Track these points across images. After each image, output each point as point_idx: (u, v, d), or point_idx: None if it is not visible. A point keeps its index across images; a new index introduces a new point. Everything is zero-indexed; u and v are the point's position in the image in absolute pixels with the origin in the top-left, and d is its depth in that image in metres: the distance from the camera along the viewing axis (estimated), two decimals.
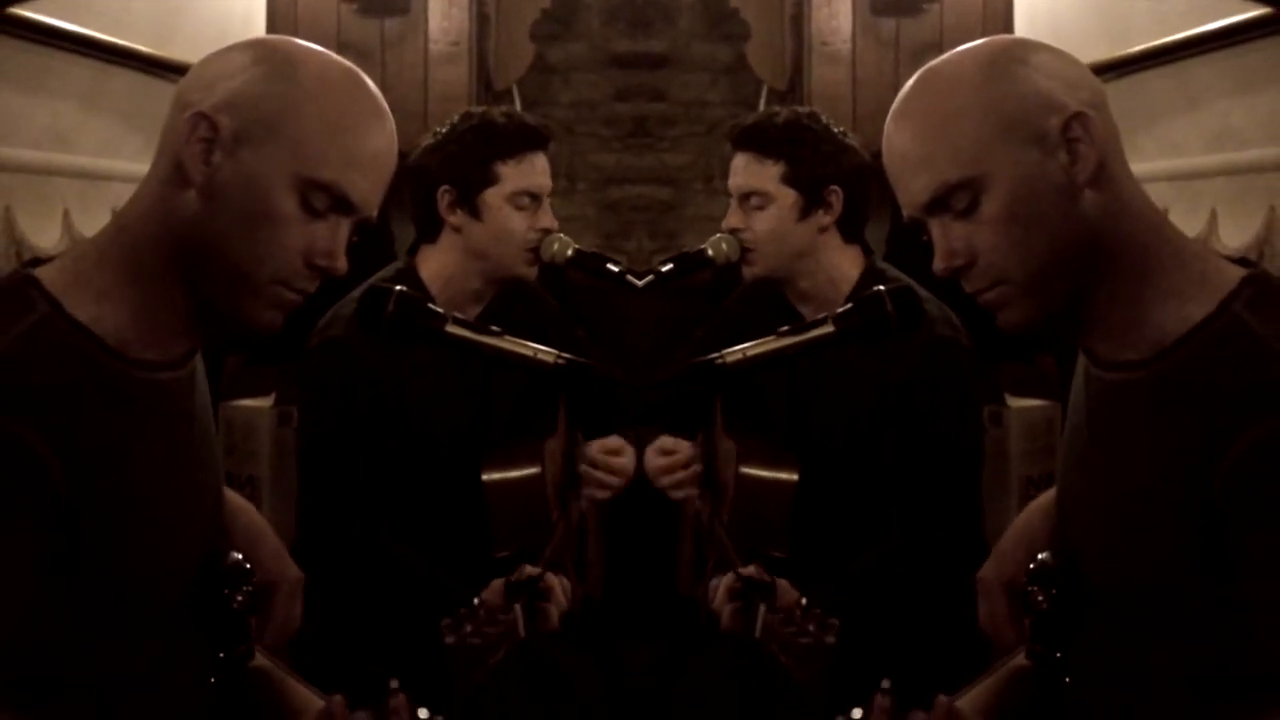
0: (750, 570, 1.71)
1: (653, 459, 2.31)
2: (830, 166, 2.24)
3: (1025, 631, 1.42)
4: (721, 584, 2.09)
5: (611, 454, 2.30)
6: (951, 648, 2.04)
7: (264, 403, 3.06)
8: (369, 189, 1.34)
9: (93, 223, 2.96)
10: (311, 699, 1.52)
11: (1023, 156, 1.29)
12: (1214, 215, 2.97)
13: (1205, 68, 3.04)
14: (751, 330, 1.61)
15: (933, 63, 1.37)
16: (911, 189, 1.33)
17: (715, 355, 1.43)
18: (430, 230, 2.27)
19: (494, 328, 1.51)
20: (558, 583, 2.04)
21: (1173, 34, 3.14)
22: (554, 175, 2.33)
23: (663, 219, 4.80)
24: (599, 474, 2.28)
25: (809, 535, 2.18)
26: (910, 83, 1.36)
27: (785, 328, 1.46)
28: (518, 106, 4.29)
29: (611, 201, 4.76)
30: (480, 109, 2.34)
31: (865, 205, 2.29)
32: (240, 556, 1.42)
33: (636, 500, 2.42)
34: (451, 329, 1.48)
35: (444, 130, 2.29)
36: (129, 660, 1.32)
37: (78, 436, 1.23)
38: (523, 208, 2.23)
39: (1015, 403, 3.21)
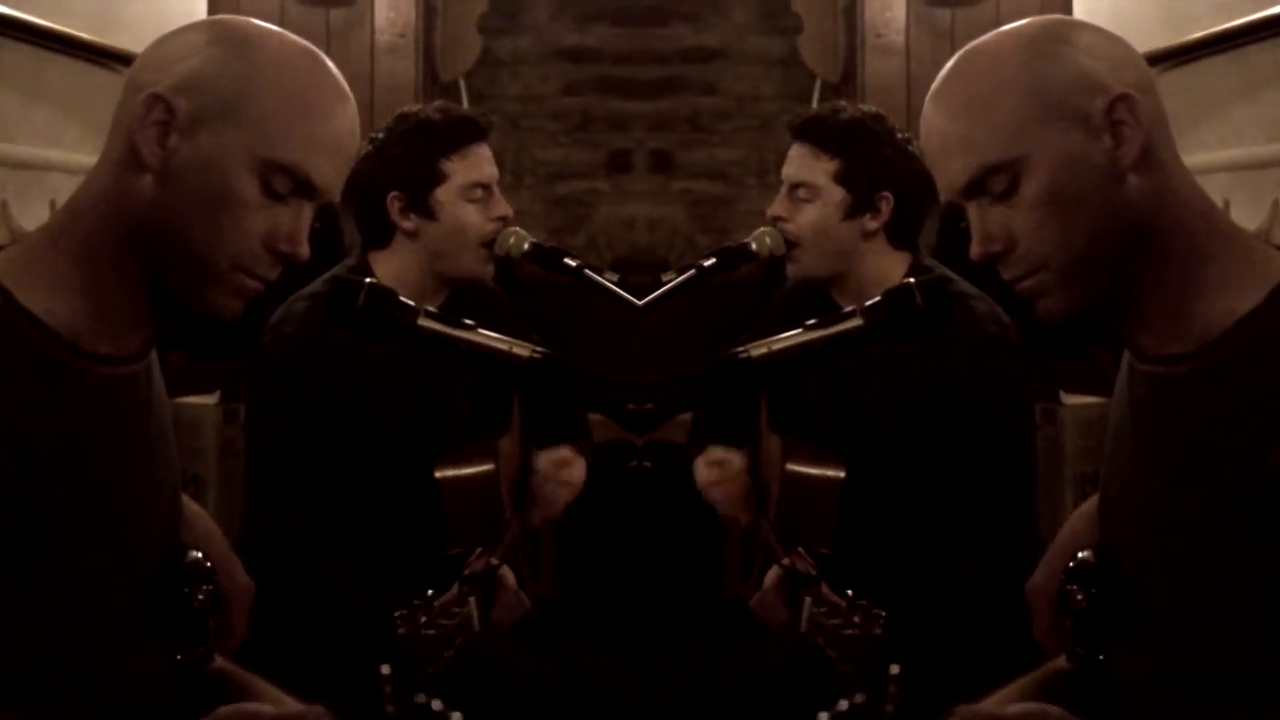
0: (793, 561, 1.68)
1: (702, 470, 2.29)
2: (885, 171, 2.22)
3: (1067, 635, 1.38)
4: (767, 579, 2.06)
5: (561, 466, 2.27)
6: (1006, 647, 2.00)
7: (209, 399, 2.99)
8: (332, 171, 1.30)
9: (32, 214, 2.87)
10: (280, 699, 1.48)
11: (1064, 138, 1.25)
12: (1276, 206, 2.89)
13: (1267, 55, 2.97)
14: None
15: (974, 42, 1.33)
16: (949, 171, 1.29)
17: (740, 349, 1.39)
18: (381, 237, 2.25)
19: (467, 321, 1.47)
20: (513, 577, 2.02)
21: (1233, 20, 3.06)
22: (501, 170, 2.31)
23: (714, 214, 4.77)
24: (549, 487, 2.26)
25: (856, 535, 2.14)
26: (950, 63, 1.33)
27: (812, 321, 1.42)
28: (465, 99, 4.27)
29: (559, 196, 4.70)
30: (415, 108, 2.32)
31: (918, 214, 2.27)
32: (200, 554, 1.38)
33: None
34: (424, 322, 1.43)
35: (381, 135, 2.26)
36: (87, 661, 1.29)
37: (32, 433, 1.20)
38: (475, 200, 2.22)
39: (1070, 399, 3.15)
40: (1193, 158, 1.31)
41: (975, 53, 1.31)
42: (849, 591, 1.48)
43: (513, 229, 2.24)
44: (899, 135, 2.27)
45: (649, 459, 2.86)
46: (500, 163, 2.32)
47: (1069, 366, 3.18)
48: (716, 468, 2.28)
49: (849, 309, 1.41)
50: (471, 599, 1.53)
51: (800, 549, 1.70)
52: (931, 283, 1.39)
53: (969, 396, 2.13)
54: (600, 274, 2.22)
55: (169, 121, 1.25)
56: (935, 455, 2.17)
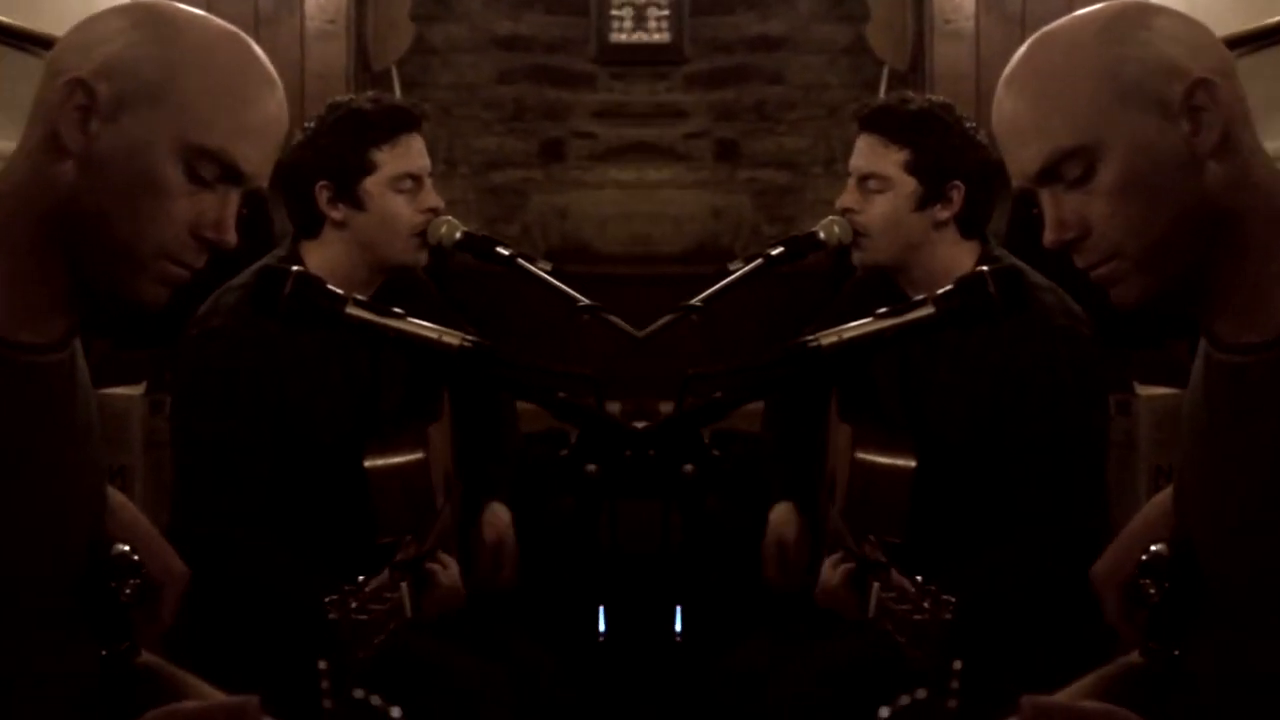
0: (862, 548, 1.67)
1: (770, 561, 2.33)
2: (956, 160, 2.20)
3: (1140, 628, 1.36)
4: (828, 563, 2.07)
5: (494, 551, 2.29)
6: (1075, 643, 1.98)
7: (135, 390, 2.94)
8: (259, 157, 1.29)
9: None
10: (208, 693, 1.46)
11: (1141, 124, 1.22)
12: None
13: None
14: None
15: (1048, 26, 1.31)
16: (1022, 157, 1.28)
17: (810, 338, 1.38)
18: (311, 226, 2.22)
19: (396, 309, 1.46)
20: (450, 563, 2.01)
21: None
22: (434, 159, 2.27)
23: (780, 203, 4.75)
24: (490, 572, 2.29)
25: (926, 526, 2.13)
26: (1024, 47, 1.31)
27: (883, 309, 1.41)
28: (397, 88, 4.23)
29: (493, 185, 4.69)
30: (346, 97, 2.30)
31: (988, 203, 2.25)
32: (126, 548, 1.35)
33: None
34: (352, 310, 1.42)
35: (312, 124, 2.25)
36: (9, 657, 1.27)
37: None
38: (405, 191, 2.19)
39: (1145, 391, 3.10)
40: (1274, 144, 1.29)
41: (1050, 37, 1.29)
42: (918, 577, 1.47)
43: (444, 218, 2.22)
44: (967, 124, 2.25)
45: (718, 447, 2.85)
46: (433, 152, 2.29)
47: (1144, 357, 3.13)
48: (778, 560, 2.32)
49: (920, 297, 1.41)
50: (403, 584, 1.53)
51: (870, 536, 1.69)
52: (1004, 271, 1.38)
53: (1039, 388, 2.11)
54: (534, 263, 2.19)
55: (90, 106, 1.24)
56: (1004, 446, 2.15)
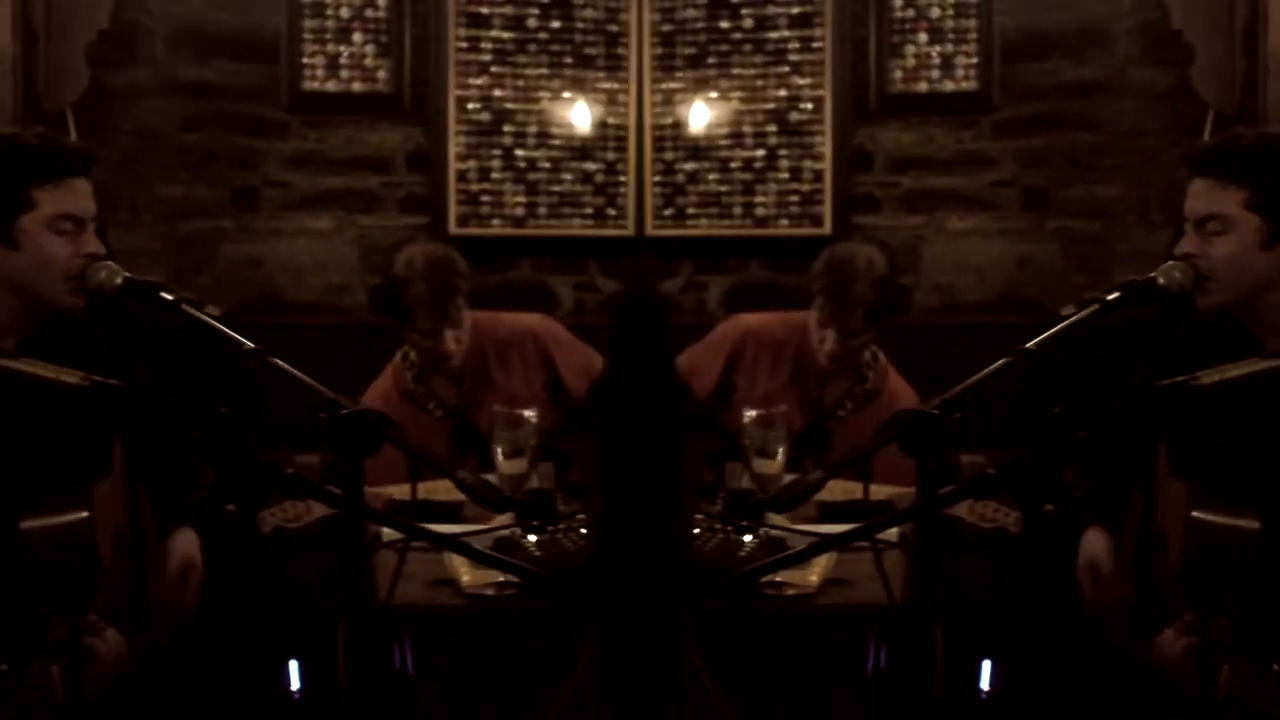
0: (1207, 625, 1.58)
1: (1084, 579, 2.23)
2: None
3: None
4: (1169, 632, 1.96)
5: (182, 573, 2.18)
6: None
7: None
8: None
9: None
10: None
11: None
12: None
13: None
14: (1204, 367, 1.49)
15: None
16: None
17: (1188, 376, 1.32)
18: None
19: (3, 349, 1.42)
20: (111, 638, 1.90)
21: None
22: (116, 208, 2.19)
23: (1092, 253, 4.59)
24: (176, 594, 2.19)
25: (1266, 594, 2.00)
26: None
27: (1270, 350, 1.33)
28: (73, 131, 4.05)
29: (181, 235, 4.50)
30: (11, 130, 2.26)
31: None
32: None
33: None
34: None
35: None
36: None
37: None
38: (64, 233, 2.12)
39: None
40: None
41: None
42: (1276, 665, 1.38)
43: (104, 263, 2.15)
44: None
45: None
46: (116, 200, 2.21)
47: None
48: (1091, 573, 2.22)
49: None
50: (54, 669, 1.47)
51: (1215, 615, 1.60)
52: None
53: None
54: (201, 309, 2.09)
55: None
56: None
